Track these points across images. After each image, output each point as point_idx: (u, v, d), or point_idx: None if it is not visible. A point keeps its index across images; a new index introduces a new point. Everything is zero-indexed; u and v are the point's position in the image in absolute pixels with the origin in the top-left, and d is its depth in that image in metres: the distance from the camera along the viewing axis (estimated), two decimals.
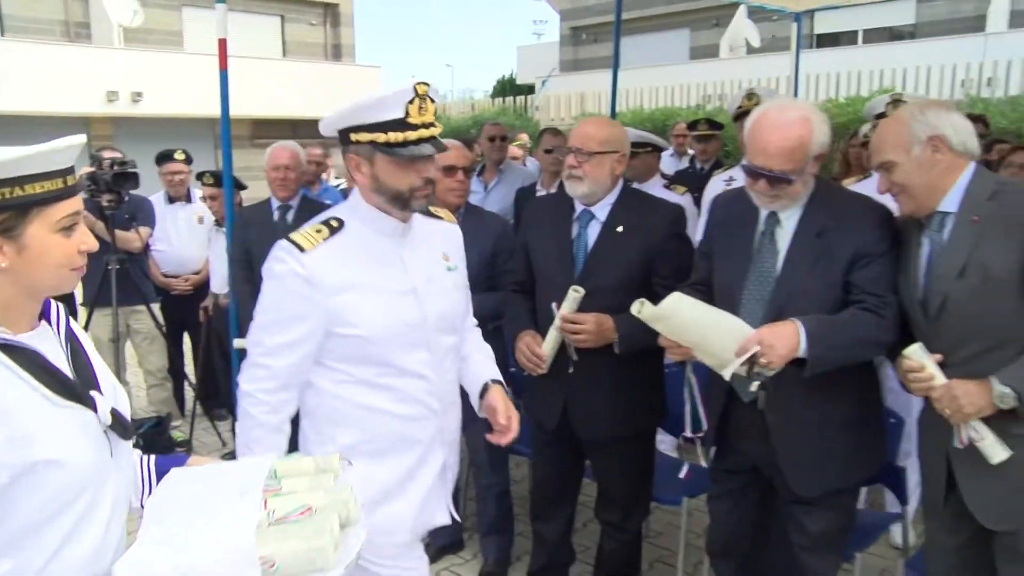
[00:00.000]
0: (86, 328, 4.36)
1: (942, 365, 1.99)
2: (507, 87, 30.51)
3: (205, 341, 4.99)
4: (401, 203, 1.87)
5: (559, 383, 2.53)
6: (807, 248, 2.17)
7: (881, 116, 3.30)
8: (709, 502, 2.56)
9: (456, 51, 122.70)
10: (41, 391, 1.26)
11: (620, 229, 2.51)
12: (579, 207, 2.57)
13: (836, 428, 2.19)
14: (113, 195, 4.30)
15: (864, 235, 2.13)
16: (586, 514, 3.38)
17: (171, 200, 5.20)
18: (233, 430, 3.92)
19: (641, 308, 2.11)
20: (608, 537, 2.86)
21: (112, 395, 1.40)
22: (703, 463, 3.03)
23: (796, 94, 8.50)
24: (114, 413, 1.35)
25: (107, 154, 4.45)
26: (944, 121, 2.01)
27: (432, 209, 2.10)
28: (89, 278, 4.13)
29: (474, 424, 2.32)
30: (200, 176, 4.96)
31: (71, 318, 1.43)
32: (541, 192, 4.45)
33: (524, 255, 2.70)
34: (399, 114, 1.76)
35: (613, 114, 6.03)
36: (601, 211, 2.54)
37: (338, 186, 7.00)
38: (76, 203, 1.32)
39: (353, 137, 1.82)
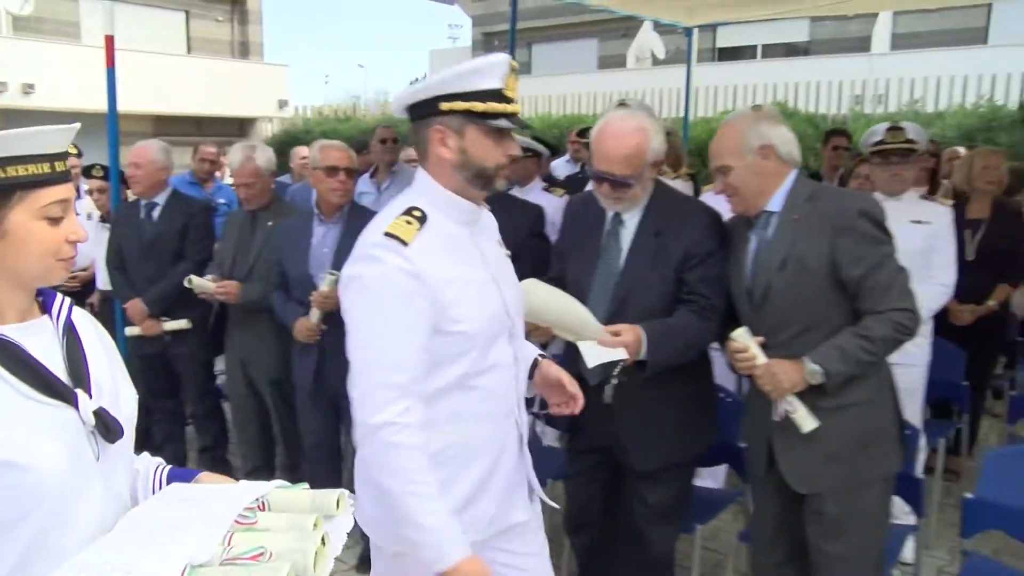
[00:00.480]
0: None
1: (764, 347, 2.24)
2: None
3: None
4: (484, 182, 1.74)
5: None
6: (646, 246, 2.39)
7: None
8: (565, 481, 2.75)
9: (369, 52, 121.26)
10: (14, 385, 1.16)
11: None
12: None
13: (672, 407, 2.42)
14: None
15: (693, 236, 2.37)
16: None
17: None
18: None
19: None
20: None
21: (110, 395, 1.29)
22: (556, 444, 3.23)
23: (687, 106, 8.89)
24: (99, 414, 1.22)
25: None
26: (774, 132, 2.26)
27: None
28: None
29: None
30: (89, 169, 4.89)
31: (82, 312, 1.35)
32: None
33: None
34: (497, 84, 1.66)
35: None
36: None
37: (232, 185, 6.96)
38: (66, 190, 1.24)
39: (445, 106, 1.66)
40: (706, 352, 2.49)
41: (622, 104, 4.22)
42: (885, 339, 2.11)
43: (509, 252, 1.98)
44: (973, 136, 11.84)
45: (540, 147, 4.65)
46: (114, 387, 1.31)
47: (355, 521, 1.35)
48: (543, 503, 1.95)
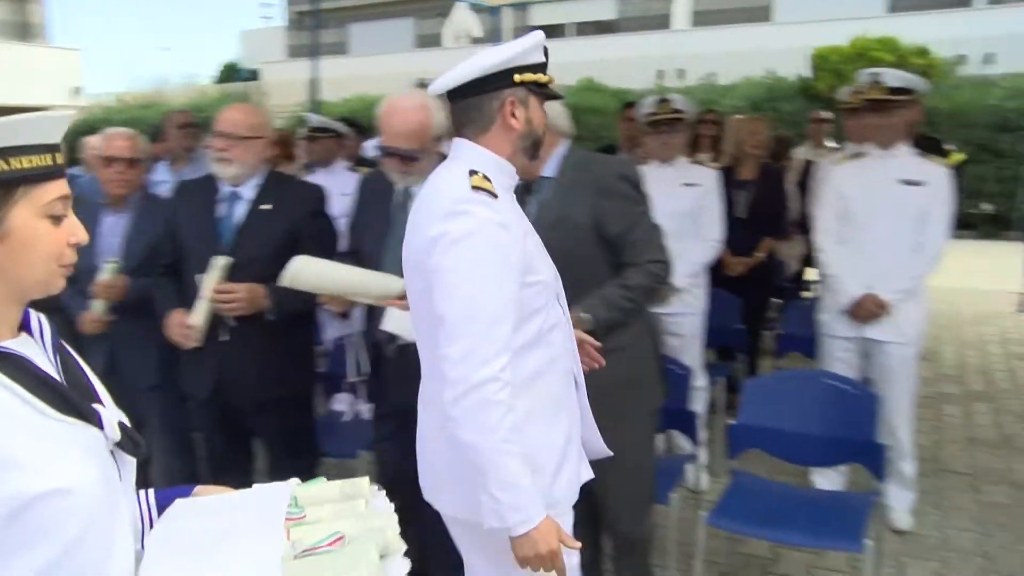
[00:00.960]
0: None
1: None
2: (232, 72, 29.26)
3: None
4: (535, 150, 1.84)
5: (212, 353, 2.68)
6: None
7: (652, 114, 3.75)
8: (374, 446, 2.86)
9: (174, 35, 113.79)
10: (33, 404, 1.01)
11: (266, 207, 2.71)
12: (226, 188, 2.74)
13: None
14: None
15: None
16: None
17: None
18: None
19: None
20: None
21: (114, 409, 1.18)
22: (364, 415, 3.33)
23: None
24: (122, 427, 1.12)
25: None
26: (547, 106, 2.46)
27: None
28: None
29: None
30: None
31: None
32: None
33: (171, 238, 2.81)
34: (543, 58, 1.80)
35: (316, 104, 6.14)
36: (248, 191, 2.73)
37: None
38: (65, 186, 1.09)
39: (518, 78, 1.74)
40: None
41: (422, 83, 4.38)
42: (643, 287, 2.36)
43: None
44: (760, 106, 12.97)
45: (340, 127, 4.69)
46: (112, 403, 1.19)
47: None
48: None
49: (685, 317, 3.76)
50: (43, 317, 1.16)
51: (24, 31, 20.86)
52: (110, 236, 3.07)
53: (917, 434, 4.31)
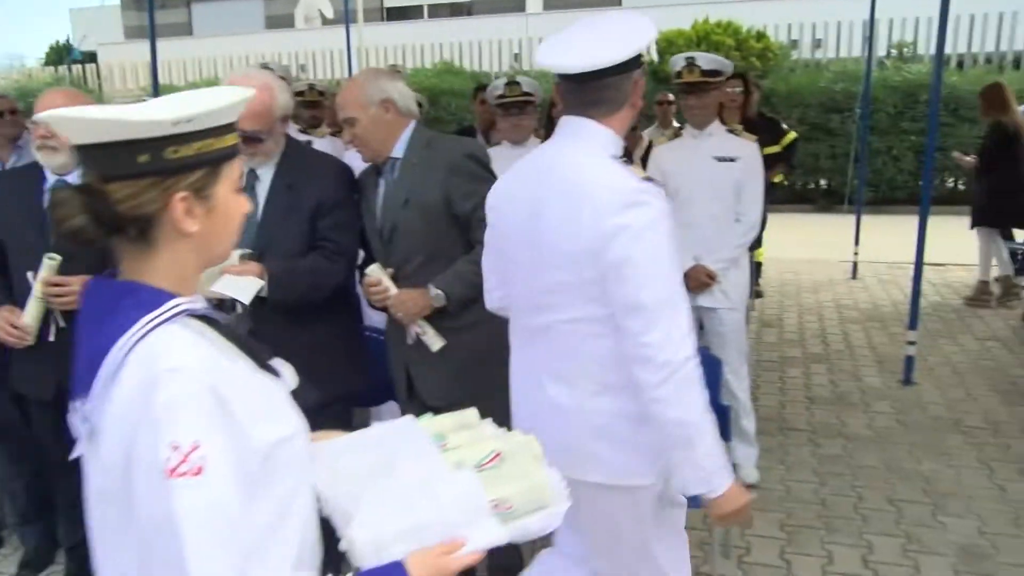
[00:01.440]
0: None
1: (395, 279, 2.46)
2: (64, 54, 27.22)
3: None
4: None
5: (51, 352, 2.51)
6: (280, 199, 2.49)
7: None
8: None
9: None
10: (246, 361, 1.10)
11: None
12: (52, 177, 2.56)
13: (313, 350, 2.52)
14: None
15: (323, 187, 2.50)
16: None
17: None
18: None
19: None
20: None
21: None
22: None
23: (350, 66, 8.94)
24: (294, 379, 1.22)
25: None
26: (392, 87, 2.46)
27: None
28: None
29: None
30: None
31: None
32: None
33: None
34: None
35: (155, 86, 5.82)
36: (76, 179, 2.56)
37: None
38: (242, 162, 1.18)
39: (643, 58, 1.78)
40: (348, 294, 2.61)
41: (264, 66, 4.23)
42: None
43: None
44: None
45: None
46: None
47: None
48: None
49: None
50: None
51: None
52: None
53: (764, 396, 4.63)
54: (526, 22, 18.90)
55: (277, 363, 1.20)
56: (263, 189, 2.51)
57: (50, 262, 2.41)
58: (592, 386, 1.81)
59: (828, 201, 12.04)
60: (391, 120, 2.44)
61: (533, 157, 1.89)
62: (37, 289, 2.42)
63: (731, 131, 3.67)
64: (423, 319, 2.44)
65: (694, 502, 1.96)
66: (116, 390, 1.01)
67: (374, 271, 2.45)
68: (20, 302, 2.49)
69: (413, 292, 2.42)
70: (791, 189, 11.62)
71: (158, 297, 1.07)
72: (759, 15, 14.25)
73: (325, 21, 20.29)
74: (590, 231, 1.69)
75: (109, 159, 1.03)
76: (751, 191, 3.52)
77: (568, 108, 1.80)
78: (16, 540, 3.26)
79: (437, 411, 2.54)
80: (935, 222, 6.88)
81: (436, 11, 22.42)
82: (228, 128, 1.12)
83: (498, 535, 1.14)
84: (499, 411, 2.52)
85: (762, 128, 4.89)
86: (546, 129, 4.80)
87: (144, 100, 1.22)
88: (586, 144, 1.77)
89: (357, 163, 2.64)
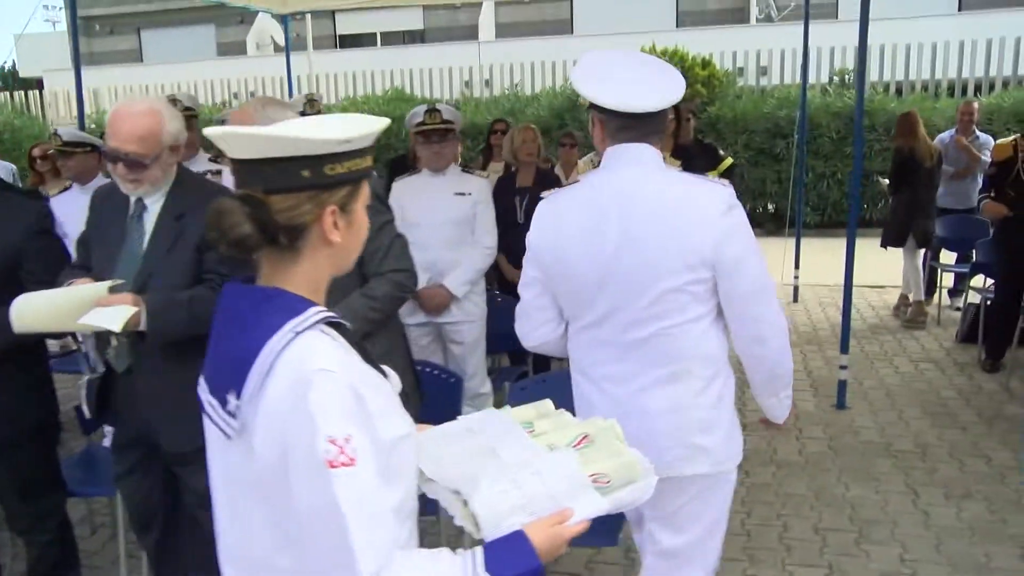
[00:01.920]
0: None
1: None
2: (9, 80, 26.69)
3: None
4: None
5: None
6: (168, 230, 2.40)
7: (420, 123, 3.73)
8: (116, 482, 2.63)
9: None
10: (368, 363, 1.20)
11: None
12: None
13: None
14: None
15: None
16: None
17: None
18: None
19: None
20: (31, 545, 2.79)
21: None
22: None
23: (290, 92, 8.82)
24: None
25: None
26: (280, 117, 2.35)
27: None
28: None
29: None
30: None
31: None
32: None
33: None
34: None
35: (81, 117, 5.66)
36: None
37: None
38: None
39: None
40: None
41: (174, 99, 4.11)
42: (388, 297, 2.31)
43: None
44: (563, 115, 13.41)
45: (98, 141, 4.33)
46: None
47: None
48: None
49: (464, 325, 3.75)
50: None
51: None
52: None
53: None
54: (479, 49, 18.98)
55: (385, 369, 1.28)
56: (151, 219, 2.43)
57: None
58: (698, 383, 1.97)
59: (775, 225, 12.17)
60: None
61: (593, 193, 1.96)
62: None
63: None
64: None
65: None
66: (269, 389, 1.10)
67: None
68: None
69: None
70: None
71: (301, 304, 1.16)
72: (704, 43, 14.47)
73: (277, 48, 20.24)
74: (701, 238, 1.87)
75: (275, 173, 1.13)
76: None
77: (624, 139, 1.94)
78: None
79: None
80: (874, 244, 7.03)
81: (389, 38, 22.43)
82: (370, 151, 1.22)
83: (600, 506, 1.25)
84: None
85: (699, 154, 4.90)
86: (484, 157, 4.74)
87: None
88: (653, 165, 1.96)
89: None
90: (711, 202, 1.88)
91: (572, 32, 20.55)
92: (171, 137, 2.37)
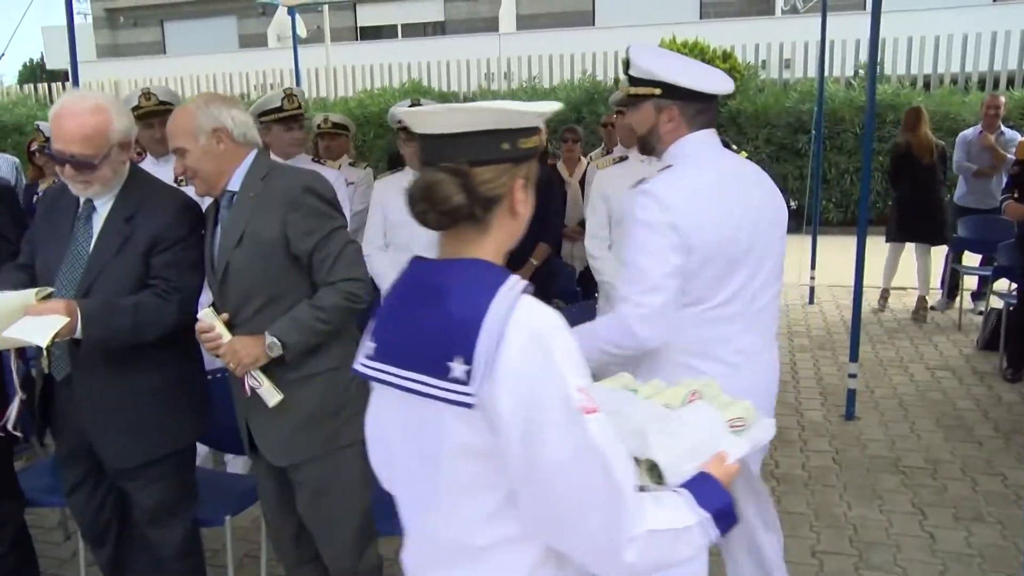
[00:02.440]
0: None
1: (231, 324, 2.21)
2: (37, 72, 26.97)
3: None
4: None
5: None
6: (116, 232, 2.29)
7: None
8: (66, 496, 2.52)
9: None
10: None
11: None
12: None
13: (143, 397, 2.30)
14: None
15: (162, 221, 2.28)
16: None
17: None
18: None
19: None
20: None
21: None
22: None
23: (298, 84, 8.70)
24: None
25: None
26: (226, 115, 2.23)
27: None
28: None
29: None
30: None
31: None
32: None
33: None
34: None
35: None
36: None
37: None
38: None
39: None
40: (188, 337, 2.36)
41: (148, 94, 3.95)
42: (337, 308, 2.17)
43: None
44: (580, 108, 13.19)
45: None
46: None
47: None
48: None
49: None
50: None
51: None
52: None
53: None
54: (499, 41, 18.77)
55: None
56: (99, 221, 2.32)
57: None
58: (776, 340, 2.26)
59: (796, 223, 11.88)
60: (224, 150, 2.21)
61: (712, 173, 2.07)
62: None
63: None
64: (259, 369, 2.19)
65: None
66: (507, 350, 1.10)
67: (206, 316, 2.20)
68: None
69: (246, 339, 2.18)
70: None
71: (502, 270, 1.20)
72: (726, 35, 14.16)
73: (299, 40, 20.20)
74: (784, 209, 2.19)
75: (480, 146, 1.18)
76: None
77: (702, 123, 2.09)
78: None
79: (282, 471, 2.34)
80: (898, 246, 6.78)
81: (409, 30, 22.30)
82: (539, 129, 1.25)
83: (742, 446, 1.37)
84: (349, 468, 2.32)
85: None
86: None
87: None
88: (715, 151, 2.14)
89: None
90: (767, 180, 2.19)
91: (594, 24, 20.26)
92: (120, 135, 2.26)
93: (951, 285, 6.95)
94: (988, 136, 6.54)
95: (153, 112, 3.58)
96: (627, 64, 2.16)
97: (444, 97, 15.00)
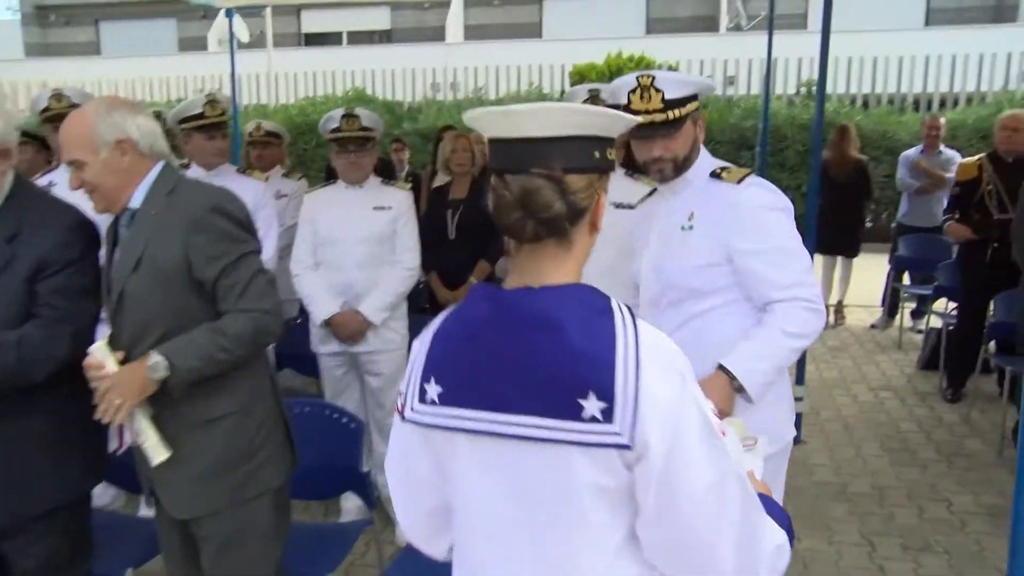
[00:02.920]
0: None
1: (127, 361, 1.93)
2: None
3: None
4: None
5: None
6: None
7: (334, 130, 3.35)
8: None
9: None
10: None
11: None
12: None
13: (29, 445, 2.03)
14: None
15: (50, 242, 2.01)
16: None
17: None
18: None
19: None
20: None
21: None
22: None
23: (234, 91, 8.37)
24: None
25: None
26: (131, 124, 1.98)
27: None
28: None
29: None
30: None
31: None
32: None
33: None
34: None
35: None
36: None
37: None
38: None
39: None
40: (72, 377, 2.08)
41: (60, 95, 3.69)
42: (241, 338, 1.90)
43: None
44: None
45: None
46: None
47: None
48: None
49: (383, 355, 3.39)
50: None
51: None
52: None
53: None
54: (446, 51, 18.60)
55: None
56: None
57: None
58: None
59: None
60: (129, 163, 1.95)
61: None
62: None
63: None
64: (148, 419, 1.90)
65: None
66: (647, 380, 1.03)
67: (98, 350, 1.91)
68: None
69: (124, 370, 1.87)
70: None
71: (603, 295, 1.11)
72: (671, 51, 14.25)
73: (240, 45, 19.72)
74: None
75: (575, 152, 1.10)
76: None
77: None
78: None
79: (185, 523, 2.08)
80: (827, 259, 6.82)
81: (355, 38, 21.96)
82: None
83: (758, 464, 1.38)
84: (258, 520, 2.05)
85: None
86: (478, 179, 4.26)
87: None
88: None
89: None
90: (760, 189, 2.16)
91: (541, 36, 20.25)
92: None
93: (891, 304, 6.99)
94: (921, 162, 6.60)
95: (64, 115, 3.29)
96: (644, 93, 2.02)
97: (388, 105, 14.75)
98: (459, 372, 1.11)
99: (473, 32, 20.85)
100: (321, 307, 3.30)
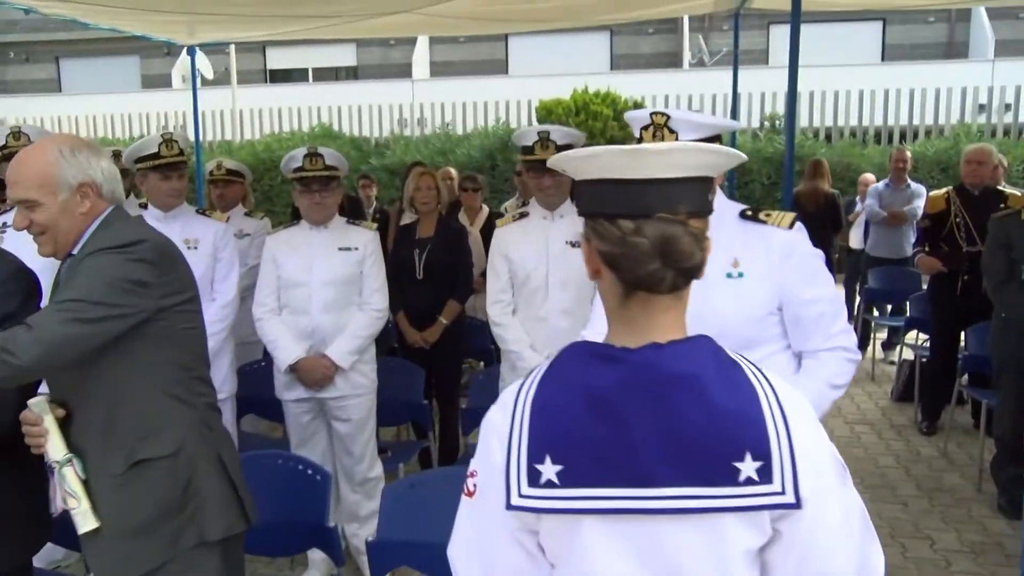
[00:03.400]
0: None
1: (70, 416, 1.81)
2: None
3: None
4: None
5: None
6: None
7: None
8: None
9: None
10: None
11: None
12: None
13: None
14: None
15: None
16: None
17: None
18: None
19: None
20: None
21: None
22: None
23: (196, 128, 8.24)
24: None
25: None
26: (96, 168, 1.88)
27: None
28: None
29: None
30: None
31: None
32: None
33: None
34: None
35: None
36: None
37: None
38: None
39: None
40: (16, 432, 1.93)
41: (18, 133, 3.55)
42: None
43: None
44: (494, 155, 13.08)
45: None
46: None
47: None
48: None
49: (351, 400, 3.25)
50: None
51: None
52: None
53: None
54: (412, 87, 18.63)
55: None
56: None
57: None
58: None
59: None
60: (88, 208, 1.85)
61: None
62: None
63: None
64: (80, 483, 1.77)
65: None
66: (795, 432, 0.99)
67: (36, 405, 1.78)
68: None
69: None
70: None
71: (718, 344, 1.06)
72: (636, 86, 14.38)
73: (204, 82, 19.56)
74: None
75: (696, 195, 1.03)
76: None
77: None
78: None
79: None
80: None
81: (321, 75, 21.94)
82: None
83: None
84: (201, 572, 1.88)
85: None
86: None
87: None
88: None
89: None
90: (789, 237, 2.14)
91: (507, 72, 20.38)
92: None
93: (862, 335, 6.99)
94: (879, 213, 6.67)
95: None
96: (657, 132, 1.88)
97: (355, 142, 14.67)
98: (584, 447, 0.99)
99: (439, 68, 20.94)
100: (286, 352, 3.16)
